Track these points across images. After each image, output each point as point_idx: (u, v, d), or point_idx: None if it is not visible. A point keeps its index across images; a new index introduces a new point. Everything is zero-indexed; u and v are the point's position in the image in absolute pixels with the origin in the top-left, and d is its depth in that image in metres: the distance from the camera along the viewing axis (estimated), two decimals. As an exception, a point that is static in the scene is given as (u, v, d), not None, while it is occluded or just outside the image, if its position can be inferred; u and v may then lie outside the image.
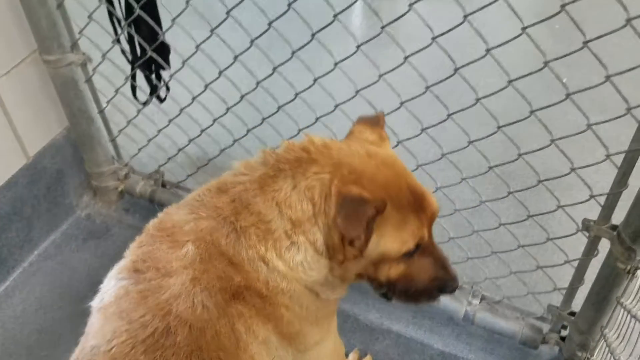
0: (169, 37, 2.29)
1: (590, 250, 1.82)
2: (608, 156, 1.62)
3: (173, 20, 2.09)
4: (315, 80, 2.03)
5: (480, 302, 2.19)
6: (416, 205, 1.33)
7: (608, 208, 1.69)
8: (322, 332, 1.49)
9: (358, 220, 1.21)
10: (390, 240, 1.31)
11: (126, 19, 2.26)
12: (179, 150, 2.60)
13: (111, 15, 2.30)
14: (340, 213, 1.23)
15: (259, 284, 1.28)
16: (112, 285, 1.26)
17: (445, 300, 2.20)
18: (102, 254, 2.59)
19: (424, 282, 1.42)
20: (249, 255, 1.28)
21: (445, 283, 1.44)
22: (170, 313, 1.17)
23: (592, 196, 1.73)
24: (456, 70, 1.73)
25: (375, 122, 1.50)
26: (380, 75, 1.90)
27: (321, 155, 1.32)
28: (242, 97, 2.25)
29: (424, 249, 1.39)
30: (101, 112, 2.54)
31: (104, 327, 1.19)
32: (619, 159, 1.60)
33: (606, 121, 1.59)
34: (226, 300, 1.24)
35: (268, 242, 1.28)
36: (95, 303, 1.27)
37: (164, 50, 2.36)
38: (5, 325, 2.32)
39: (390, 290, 1.45)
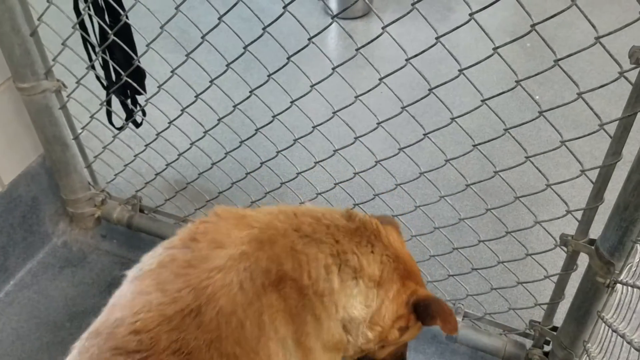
0: (144, 62, 2.29)
1: (569, 265, 1.83)
2: (583, 171, 1.64)
3: (148, 45, 2.09)
4: (292, 102, 2.03)
5: (462, 320, 2.19)
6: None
7: (585, 223, 1.71)
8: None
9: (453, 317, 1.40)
10: (414, 330, 1.53)
11: (100, 45, 2.25)
12: (157, 174, 2.58)
13: (85, 41, 2.29)
14: (434, 314, 1.42)
15: (305, 280, 1.25)
16: (157, 253, 1.22)
17: (428, 319, 2.19)
18: (80, 282, 2.54)
19: (395, 354, 1.65)
20: (314, 255, 1.28)
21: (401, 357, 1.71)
22: (205, 289, 1.12)
23: (568, 211, 1.74)
24: (431, 90, 1.74)
25: (394, 224, 1.61)
26: (357, 97, 1.91)
27: (380, 242, 1.44)
28: (219, 120, 2.24)
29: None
30: (76, 138, 2.51)
31: (135, 299, 1.13)
32: (594, 174, 1.62)
33: (579, 137, 1.61)
34: (265, 286, 1.18)
35: (336, 264, 1.33)
36: (132, 272, 1.22)
37: (139, 75, 2.35)
38: (-21, 359, 2.26)
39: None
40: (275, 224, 1.28)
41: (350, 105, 1.95)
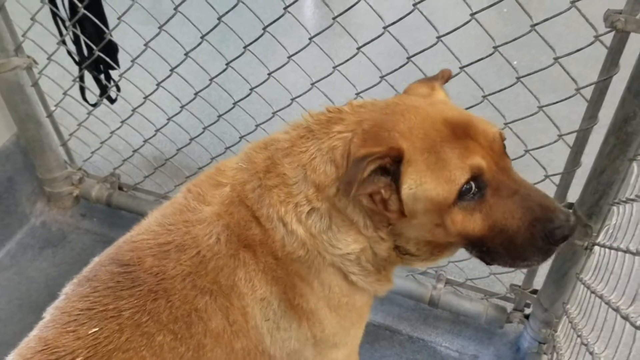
0: (117, 35, 2.24)
1: (548, 228, 1.86)
2: (560, 136, 1.65)
3: (119, 18, 2.04)
4: (269, 74, 2.01)
5: (445, 286, 2.22)
6: (456, 137, 1.16)
7: (563, 187, 1.73)
8: (342, 326, 1.41)
9: (355, 179, 1.12)
10: (429, 182, 1.14)
11: (70, 18, 2.20)
12: (134, 151, 2.54)
13: (55, 15, 2.23)
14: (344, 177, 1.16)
15: (274, 245, 1.26)
16: (176, 197, 1.38)
17: (411, 286, 2.22)
18: (60, 262, 2.52)
19: (518, 230, 1.15)
20: (269, 214, 1.26)
21: (550, 224, 1.13)
22: (190, 233, 1.26)
23: (547, 176, 1.76)
24: (409, 58, 1.73)
25: (433, 78, 1.39)
26: (335, 67, 1.89)
27: (350, 114, 1.26)
28: (195, 94, 2.21)
29: (499, 185, 1.16)
30: (50, 116, 2.46)
31: (143, 223, 1.34)
32: (571, 139, 1.63)
33: (556, 102, 1.62)
34: (238, 246, 1.25)
35: (289, 204, 1.25)
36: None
37: (111, 49, 2.30)
38: (-38, 342, 2.24)
39: (484, 252, 1.22)
40: (237, 177, 1.32)
41: (328, 75, 1.93)
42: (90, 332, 1.14)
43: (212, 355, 1.23)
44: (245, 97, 2.14)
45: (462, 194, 1.14)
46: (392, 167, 1.16)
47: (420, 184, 1.15)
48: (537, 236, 1.14)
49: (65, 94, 2.42)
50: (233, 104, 2.19)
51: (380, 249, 1.30)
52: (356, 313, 1.41)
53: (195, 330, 1.21)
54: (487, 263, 1.25)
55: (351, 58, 1.81)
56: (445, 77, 1.39)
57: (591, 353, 1.36)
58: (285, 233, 1.26)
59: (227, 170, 1.35)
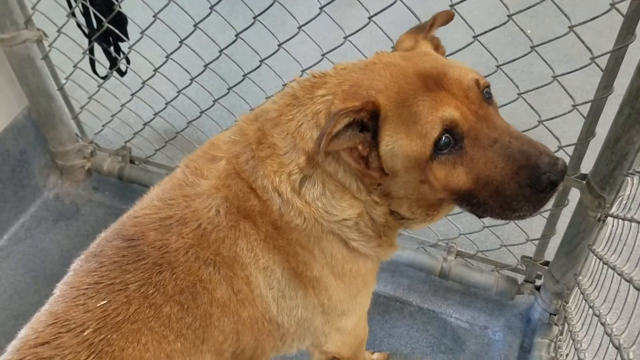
0: (125, 7, 2.22)
1: (561, 200, 1.85)
2: (575, 106, 1.63)
3: (128, -11, 2.02)
4: (279, 45, 1.99)
5: (455, 258, 2.22)
6: (428, 89, 1.13)
7: (577, 158, 1.71)
8: (348, 293, 1.41)
9: (325, 132, 1.11)
10: (404, 138, 1.12)
11: (79, -10, 2.18)
12: (145, 124, 2.54)
13: (63, -13, 2.22)
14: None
15: (273, 215, 1.27)
16: (175, 172, 1.39)
17: (422, 258, 2.23)
18: (74, 235, 2.55)
19: (503, 180, 1.10)
20: (264, 185, 1.26)
21: (534, 170, 1.07)
22: (190, 207, 1.27)
23: (560, 147, 1.74)
24: (421, 27, 1.70)
25: (423, 26, 1.34)
26: (346, 37, 1.87)
27: (333, 76, 1.26)
28: (205, 66, 2.20)
29: (477, 135, 1.11)
30: (60, 89, 2.47)
31: (145, 199, 1.36)
32: (585, 109, 1.61)
33: (571, 72, 1.59)
34: (238, 217, 1.27)
35: (282, 174, 1.25)
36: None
37: (120, 21, 2.29)
38: (-21, 313, 2.29)
39: (474, 205, 1.18)
40: (231, 150, 1.32)
41: (339, 46, 1.91)
42: (98, 305, 1.16)
43: (219, 324, 1.25)
44: (255, 69, 2.13)
45: (438, 148, 1.12)
46: (369, 122, 1.15)
47: (396, 140, 1.15)
48: (524, 184, 1.08)
49: (75, 66, 2.42)
50: (243, 76, 2.18)
51: (377, 214, 1.31)
52: (361, 279, 1.42)
53: (201, 301, 1.23)
54: (479, 216, 1.22)
55: (362, 28, 1.79)
56: (439, 22, 1.34)
57: (603, 324, 1.36)
58: (281, 203, 1.26)
59: (220, 144, 1.36)
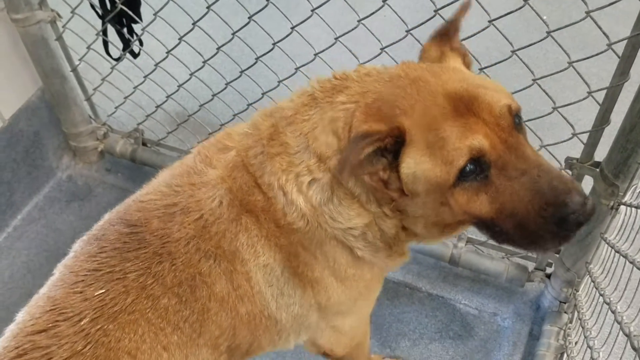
0: (139, -11, 2.22)
1: (573, 188, 1.83)
2: (590, 93, 1.62)
3: (142, -29, 2.02)
4: (292, 28, 1.98)
5: (465, 245, 2.22)
6: (458, 113, 1.09)
7: (591, 145, 1.70)
8: (348, 296, 1.39)
9: (349, 160, 1.08)
10: (427, 162, 1.09)
11: (93, -29, 2.18)
12: (157, 107, 2.55)
13: (77, -32, 2.22)
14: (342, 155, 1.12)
15: (276, 213, 1.25)
16: (187, 157, 1.39)
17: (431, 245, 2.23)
18: (87, 216, 2.57)
19: (528, 214, 1.06)
20: (270, 181, 1.25)
21: (563, 208, 1.02)
22: (194, 196, 1.27)
23: (574, 134, 1.73)
24: (436, 11, 1.69)
25: (444, 36, 1.29)
26: (359, 21, 1.86)
27: (356, 82, 1.22)
28: (218, 48, 2.19)
29: (505, 165, 1.08)
30: (74, 70, 2.47)
31: (153, 182, 1.36)
32: (600, 96, 1.59)
33: (587, 58, 1.57)
34: (240, 211, 1.26)
35: (290, 174, 1.23)
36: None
37: (134, 2, 2.29)
38: (-7, 291, 2.32)
39: (496, 233, 1.15)
40: (243, 142, 1.31)
41: (352, 30, 1.90)
42: (96, 293, 1.17)
43: (217, 319, 1.25)
44: (267, 52, 2.12)
45: (462, 176, 1.08)
46: (392, 147, 1.12)
47: (419, 164, 1.11)
48: (550, 222, 1.05)
49: (89, 48, 2.42)
50: (255, 59, 2.17)
51: (386, 226, 1.27)
52: (364, 284, 1.39)
53: (200, 294, 1.23)
54: (499, 243, 1.19)
55: (376, 11, 1.77)
56: (460, 23, 1.29)
57: (613, 312, 1.36)
58: (285, 202, 1.24)
59: (234, 134, 1.35)
